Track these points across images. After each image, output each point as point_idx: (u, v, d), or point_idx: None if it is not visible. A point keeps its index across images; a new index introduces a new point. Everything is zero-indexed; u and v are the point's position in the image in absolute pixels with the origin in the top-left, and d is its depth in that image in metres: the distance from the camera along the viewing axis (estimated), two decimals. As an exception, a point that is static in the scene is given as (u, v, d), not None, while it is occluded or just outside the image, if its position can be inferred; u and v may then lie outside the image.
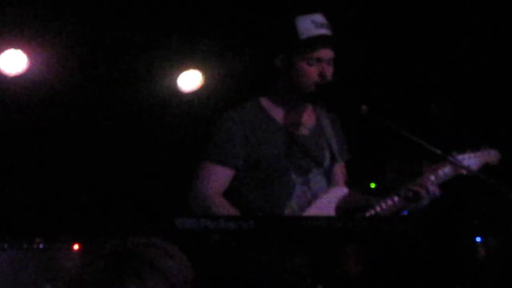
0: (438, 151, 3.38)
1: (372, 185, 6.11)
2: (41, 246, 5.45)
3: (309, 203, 3.40)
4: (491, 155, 3.82)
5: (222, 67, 6.24)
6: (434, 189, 3.48)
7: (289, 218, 3.23)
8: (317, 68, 3.38)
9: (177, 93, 6.27)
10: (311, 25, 3.38)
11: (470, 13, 5.56)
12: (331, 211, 3.44)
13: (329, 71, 3.40)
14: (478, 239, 6.10)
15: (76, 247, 5.57)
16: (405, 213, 3.55)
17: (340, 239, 2.88)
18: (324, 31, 3.39)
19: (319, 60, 3.38)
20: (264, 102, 3.51)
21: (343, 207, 3.47)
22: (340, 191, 3.50)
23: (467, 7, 5.55)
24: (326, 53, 3.39)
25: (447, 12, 5.59)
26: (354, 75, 5.49)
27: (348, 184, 3.66)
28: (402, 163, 4.02)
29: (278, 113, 3.48)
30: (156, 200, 6.21)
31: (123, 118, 6.25)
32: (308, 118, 3.55)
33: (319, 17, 3.42)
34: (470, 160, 3.70)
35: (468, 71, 5.96)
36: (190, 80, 6.30)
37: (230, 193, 3.38)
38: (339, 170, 3.61)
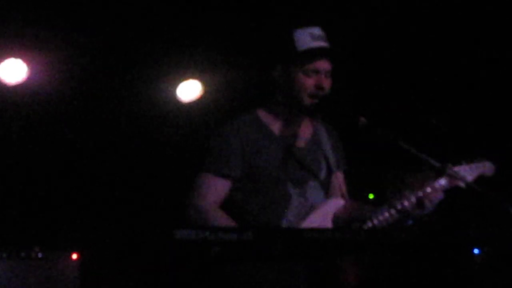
0: (436, 163, 3.39)
1: (371, 196, 6.12)
2: (39, 255, 5.44)
3: (305, 215, 3.41)
4: (486, 167, 3.84)
5: (221, 77, 6.25)
6: (436, 198, 3.49)
7: (287, 230, 3.24)
8: (314, 80, 3.38)
9: (176, 103, 6.28)
10: (309, 37, 3.39)
11: (470, 26, 5.58)
12: (327, 223, 3.45)
13: (326, 83, 3.41)
14: (475, 251, 6.11)
15: (74, 256, 5.56)
16: (409, 222, 3.56)
17: (338, 250, 2.88)
18: (322, 43, 3.41)
19: (316, 72, 3.39)
20: (261, 113, 3.52)
21: (340, 219, 3.47)
22: (336, 202, 3.51)
23: (467, 19, 5.56)
24: (324, 65, 3.40)
25: (445, 24, 5.61)
26: (352, 87, 5.52)
27: (348, 193, 3.67)
28: (400, 174, 4.02)
29: (275, 125, 3.49)
30: (155, 210, 6.21)
31: (122, 127, 6.25)
32: (305, 130, 3.56)
33: (316, 30, 3.43)
34: (466, 172, 3.71)
35: (466, 83, 5.97)
36: (189, 90, 6.30)
37: (227, 205, 3.38)
38: (338, 180, 3.62)
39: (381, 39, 5.77)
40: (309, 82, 3.39)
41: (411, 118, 6.09)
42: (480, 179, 3.77)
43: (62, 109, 6.00)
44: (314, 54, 3.38)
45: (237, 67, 6.14)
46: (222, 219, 3.28)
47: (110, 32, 5.64)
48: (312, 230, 2.91)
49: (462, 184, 3.60)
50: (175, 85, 6.26)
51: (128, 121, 6.22)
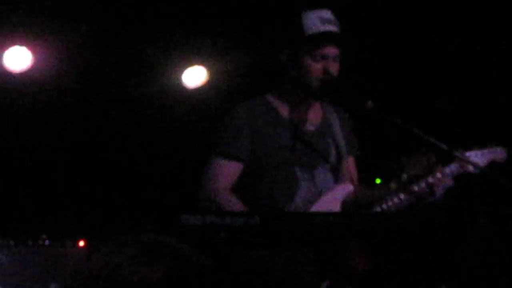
0: (445, 147, 3.37)
1: (378, 181, 6.09)
2: (46, 242, 5.45)
3: (314, 200, 3.40)
4: (498, 153, 3.81)
5: (227, 63, 6.23)
6: (446, 184, 3.48)
7: (294, 214, 3.23)
8: (322, 64, 3.36)
9: (182, 89, 6.27)
10: (317, 21, 3.36)
11: (477, 9, 5.55)
12: (336, 208, 3.43)
13: (334, 67, 3.39)
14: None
15: (81, 243, 5.57)
16: (419, 207, 3.54)
17: (345, 234, 2.87)
18: (331, 28, 3.37)
19: (324, 56, 3.36)
20: (271, 98, 3.51)
21: (349, 204, 3.46)
22: (345, 187, 3.49)
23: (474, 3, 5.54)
24: (331, 50, 3.37)
25: (453, 8, 5.58)
26: (360, 71, 5.48)
27: (360, 179, 3.65)
28: (408, 159, 4.00)
29: (284, 109, 3.48)
30: (161, 196, 6.21)
31: (128, 114, 6.25)
32: (315, 114, 3.54)
33: (326, 13, 3.39)
34: (477, 158, 3.68)
35: (474, 67, 5.94)
36: (194, 76, 6.29)
37: (238, 188, 3.38)
38: (349, 165, 3.60)
39: (390, 22, 5.73)
40: (316, 67, 3.36)
41: (420, 102, 6.05)
42: (492, 165, 3.74)
43: (67, 97, 5.99)
44: (321, 38, 3.35)
45: (243, 53, 6.12)
46: (233, 203, 3.28)
47: (115, 20, 5.62)
48: (319, 214, 2.90)
49: (473, 170, 3.58)
50: (181, 71, 6.25)
51: (134, 107, 6.21)
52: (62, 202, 6.16)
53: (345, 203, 3.46)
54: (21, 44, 5.57)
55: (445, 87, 6.17)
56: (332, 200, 3.44)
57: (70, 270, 5.40)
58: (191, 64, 6.25)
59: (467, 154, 3.64)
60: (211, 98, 6.25)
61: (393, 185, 3.61)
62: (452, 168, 3.58)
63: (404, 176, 3.61)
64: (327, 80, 3.37)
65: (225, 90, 6.22)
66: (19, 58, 5.60)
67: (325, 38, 3.35)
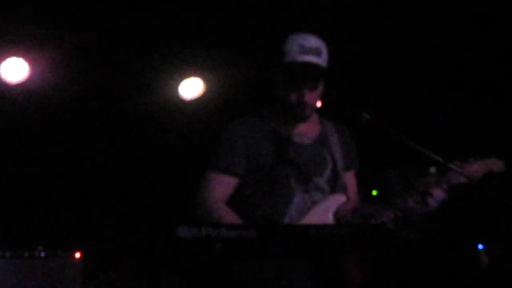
0: (441, 159, 3.37)
1: (374, 193, 6.10)
2: (42, 254, 5.44)
3: (307, 211, 3.40)
4: (494, 164, 3.81)
5: (223, 75, 6.24)
6: (440, 195, 3.48)
7: (290, 227, 3.22)
8: (296, 95, 3.37)
9: (178, 100, 6.28)
10: (297, 49, 3.32)
11: (476, 20, 5.56)
12: (327, 219, 3.44)
13: (310, 97, 3.39)
14: (480, 246, 6.09)
15: (77, 255, 5.56)
16: (413, 219, 3.55)
17: (341, 247, 2.87)
18: (310, 58, 3.33)
19: (299, 87, 3.36)
20: (267, 113, 3.52)
21: (341, 215, 3.46)
22: (338, 198, 3.49)
23: (473, 12, 5.55)
24: (307, 81, 3.36)
25: (452, 18, 5.59)
26: (356, 84, 5.49)
27: (359, 193, 3.65)
28: (404, 171, 4.01)
29: (280, 124, 3.49)
30: (157, 208, 6.20)
31: (124, 125, 6.25)
32: (312, 128, 3.55)
33: (309, 40, 3.35)
34: (472, 169, 3.68)
35: (472, 79, 5.95)
36: (191, 87, 6.30)
37: (234, 201, 3.39)
38: (348, 179, 3.60)
39: (384, 35, 5.74)
40: (292, 96, 3.38)
41: (416, 114, 6.06)
42: (488, 176, 3.74)
43: (64, 108, 5.99)
44: (298, 70, 3.33)
45: (239, 65, 6.13)
46: (228, 215, 3.29)
47: (112, 31, 5.63)
48: (315, 227, 2.89)
49: (467, 181, 3.58)
50: (178, 83, 6.26)
51: (131, 119, 6.21)
52: (59, 214, 6.15)
53: (337, 214, 3.46)
54: (18, 55, 5.57)
55: (442, 98, 6.18)
56: (323, 211, 3.44)
57: (65, 281, 5.39)
58: (187, 75, 6.26)
59: (462, 166, 3.64)
60: (207, 109, 6.26)
61: (388, 197, 3.61)
62: (447, 180, 3.58)
63: (399, 188, 3.61)
64: (303, 108, 3.37)
65: (221, 101, 6.23)
66: (16, 69, 5.60)
67: (301, 68, 3.33)
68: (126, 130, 6.26)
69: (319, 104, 3.49)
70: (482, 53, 5.80)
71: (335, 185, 3.56)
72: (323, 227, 2.89)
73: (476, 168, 3.69)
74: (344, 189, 3.56)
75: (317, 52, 3.35)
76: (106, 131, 6.22)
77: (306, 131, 3.54)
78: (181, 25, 5.71)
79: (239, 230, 2.63)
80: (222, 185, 3.38)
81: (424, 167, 3.68)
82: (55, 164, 6.19)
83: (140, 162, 6.34)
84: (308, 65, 3.33)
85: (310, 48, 3.34)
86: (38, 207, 6.13)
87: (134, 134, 6.28)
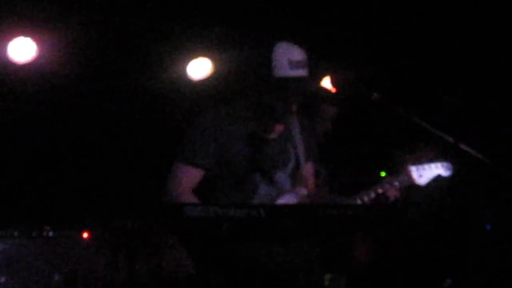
0: (450, 139, 3.38)
1: (383, 174, 6.08)
2: (50, 234, 5.46)
3: (272, 202, 3.48)
4: (444, 168, 3.99)
5: (231, 55, 6.22)
6: (393, 193, 3.74)
7: (299, 207, 3.24)
8: (284, 106, 3.44)
9: (186, 80, 6.27)
10: (286, 64, 3.36)
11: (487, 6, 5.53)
12: None
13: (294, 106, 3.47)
14: (488, 227, 6.09)
15: (85, 235, 5.58)
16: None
17: (349, 226, 2.88)
18: (299, 72, 3.38)
19: (288, 99, 3.42)
20: (238, 107, 3.57)
21: None
22: (298, 191, 3.55)
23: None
24: (297, 95, 3.43)
25: (461, 3, 5.57)
26: (366, 64, 5.47)
27: (316, 183, 3.78)
28: (411, 152, 4.04)
29: (249, 118, 3.53)
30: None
31: (133, 105, 6.25)
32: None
33: (297, 54, 3.39)
34: (424, 171, 3.91)
35: (482, 62, 5.93)
36: (199, 68, 6.29)
37: (202, 192, 3.50)
38: (306, 170, 3.66)
39: (397, 15, 5.71)
40: (278, 107, 3.44)
41: (426, 97, 6.06)
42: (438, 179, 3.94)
43: (72, 88, 5.99)
44: (288, 84, 3.37)
45: (247, 45, 6.11)
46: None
47: (120, 10, 5.61)
48: (324, 206, 2.89)
49: (419, 182, 3.86)
50: (186, 63, 6.25)
51: (139, 99, 6.21)
52: (66, 194, 6.16)
53: None
54: (26, 35, 5.56)
55: (453, 81, 6.16)
56: (286, 203, 3.49)
57: (73, 261, 5.41)
58: (196, 56, 6.25)
59: (415, 168, 3.88)
60: (215, 89, 6.25)
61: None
62: (400, 180, 3.81)
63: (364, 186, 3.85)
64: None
65: (229, 82, 6.21)
66: (23, 49, 5.59)
67: (291, 84, 3.37)
68: (134, 110, 6.25)
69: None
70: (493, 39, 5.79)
71: (297, 178, 3.61)
72: (331, 206, 2.89)
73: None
74: (305, 181, 3.60)
75: (303, 65, 3.40)
76: (113, 111, 6.22)
77: (275, 126, 3.57)
78: (189, 5, 5.69)
79: (247, 210, 2.63)
80: (188, 176, 3.48)
81: (430, 148, 3.77)
82: (62, 144, 6.19)
83: (148, 142, 6.34)
84: (298, 80, 3.39)
85: (298, 62, 3.40)
86: (46, 187, 6.14)
87: (142, 115, 6.28)
